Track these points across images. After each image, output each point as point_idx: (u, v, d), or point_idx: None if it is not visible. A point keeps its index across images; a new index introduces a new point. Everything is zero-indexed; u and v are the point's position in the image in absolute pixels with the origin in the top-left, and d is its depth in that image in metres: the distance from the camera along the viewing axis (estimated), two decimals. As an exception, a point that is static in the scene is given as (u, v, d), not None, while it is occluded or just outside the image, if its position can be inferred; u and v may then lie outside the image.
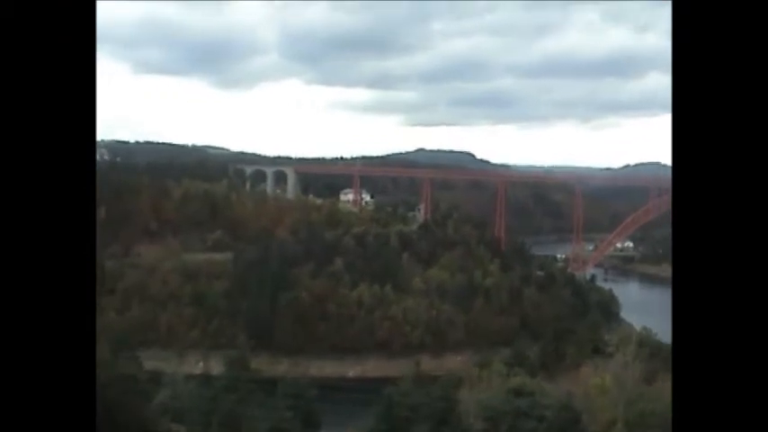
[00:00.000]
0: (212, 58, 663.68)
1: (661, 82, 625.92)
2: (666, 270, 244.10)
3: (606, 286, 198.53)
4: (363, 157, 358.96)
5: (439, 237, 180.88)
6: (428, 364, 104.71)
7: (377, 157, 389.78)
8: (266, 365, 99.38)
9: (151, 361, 78.90)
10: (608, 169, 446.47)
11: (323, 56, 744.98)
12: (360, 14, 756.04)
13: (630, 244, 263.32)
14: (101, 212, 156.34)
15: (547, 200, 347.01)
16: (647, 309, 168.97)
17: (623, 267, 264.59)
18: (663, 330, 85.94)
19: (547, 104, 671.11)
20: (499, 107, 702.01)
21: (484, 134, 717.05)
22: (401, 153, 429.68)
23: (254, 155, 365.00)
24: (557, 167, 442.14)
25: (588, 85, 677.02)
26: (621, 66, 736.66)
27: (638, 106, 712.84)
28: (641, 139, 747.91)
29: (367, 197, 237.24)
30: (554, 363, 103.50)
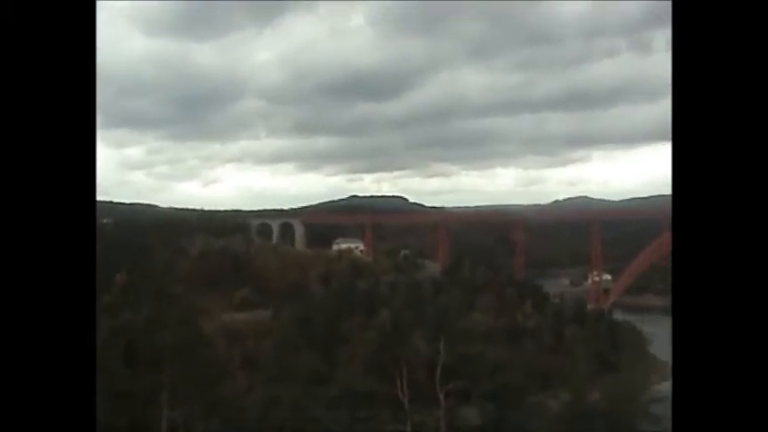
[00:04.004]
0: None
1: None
2: (650, 300, 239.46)
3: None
4: (307, 206, 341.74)
5: (467, 281, 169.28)
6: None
7: (319, 205, 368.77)
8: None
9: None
10: (537, 205, 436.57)
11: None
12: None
13: (608, 277, 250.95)
14: (122, 277, 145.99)
15: (506, 239, 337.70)
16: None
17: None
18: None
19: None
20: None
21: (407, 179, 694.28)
22: (334, 201, 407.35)
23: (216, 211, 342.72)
24: (488, 206, 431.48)
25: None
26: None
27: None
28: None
29: (360, 245, 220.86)
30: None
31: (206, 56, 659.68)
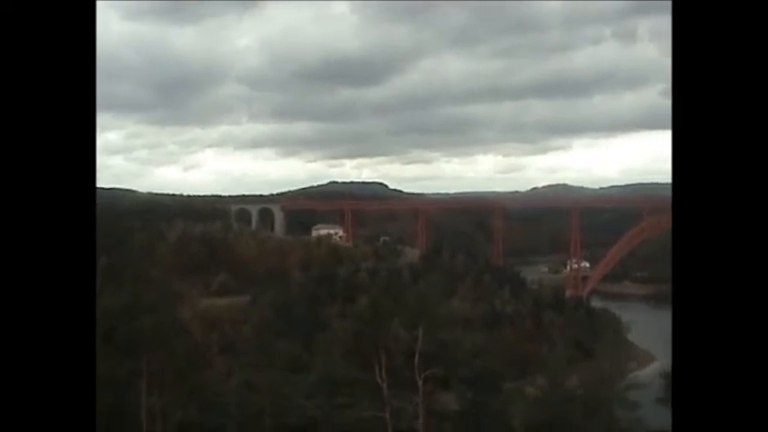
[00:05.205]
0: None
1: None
2: (628, 288, 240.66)
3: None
4: (287, 192, 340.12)
5: (446, 267, 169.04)
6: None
7: (298, 191, 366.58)
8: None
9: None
10: (516, 192, 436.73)
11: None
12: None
13: (587, 264, 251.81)
14: (101, 262, 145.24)
15: (485, 226, 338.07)
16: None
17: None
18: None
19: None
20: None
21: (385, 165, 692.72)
22: (313, 186, 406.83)
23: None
24: (468, 193, 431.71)
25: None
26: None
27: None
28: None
29: (339, 231, 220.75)
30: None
31: (187, 40, 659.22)
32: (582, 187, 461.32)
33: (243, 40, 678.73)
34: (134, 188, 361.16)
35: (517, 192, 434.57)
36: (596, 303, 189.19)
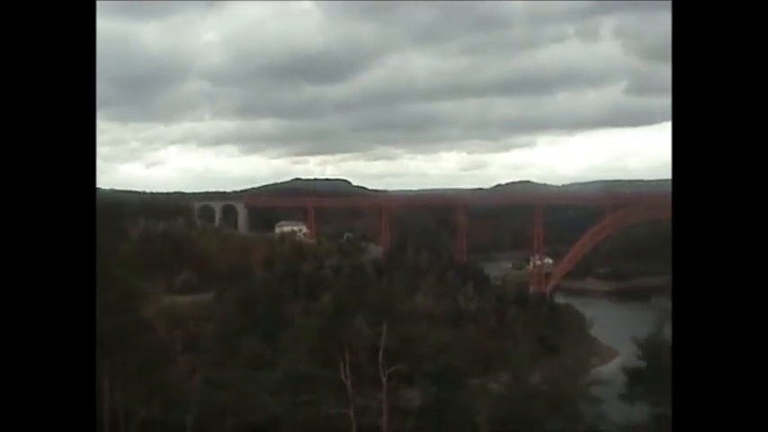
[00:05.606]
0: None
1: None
2: (591, 284, 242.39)
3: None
4: (250, 189, 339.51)
5: (409, 264, 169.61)
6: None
7: (262, 187, 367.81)
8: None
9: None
10: (480, 189, 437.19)
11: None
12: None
13: (550, 261, 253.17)
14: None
15: (449, 223, 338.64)
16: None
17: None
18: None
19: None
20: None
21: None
22: (277, 183, 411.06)
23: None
24: (431, 190, 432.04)
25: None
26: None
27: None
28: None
29: (303, 228, 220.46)
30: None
31: (150, 36, 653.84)
32: (545, 184, 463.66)
33: (206, 36, 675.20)
34: (97, 185, 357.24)
35: (481, 189, 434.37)
36: (560, 300, 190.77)
